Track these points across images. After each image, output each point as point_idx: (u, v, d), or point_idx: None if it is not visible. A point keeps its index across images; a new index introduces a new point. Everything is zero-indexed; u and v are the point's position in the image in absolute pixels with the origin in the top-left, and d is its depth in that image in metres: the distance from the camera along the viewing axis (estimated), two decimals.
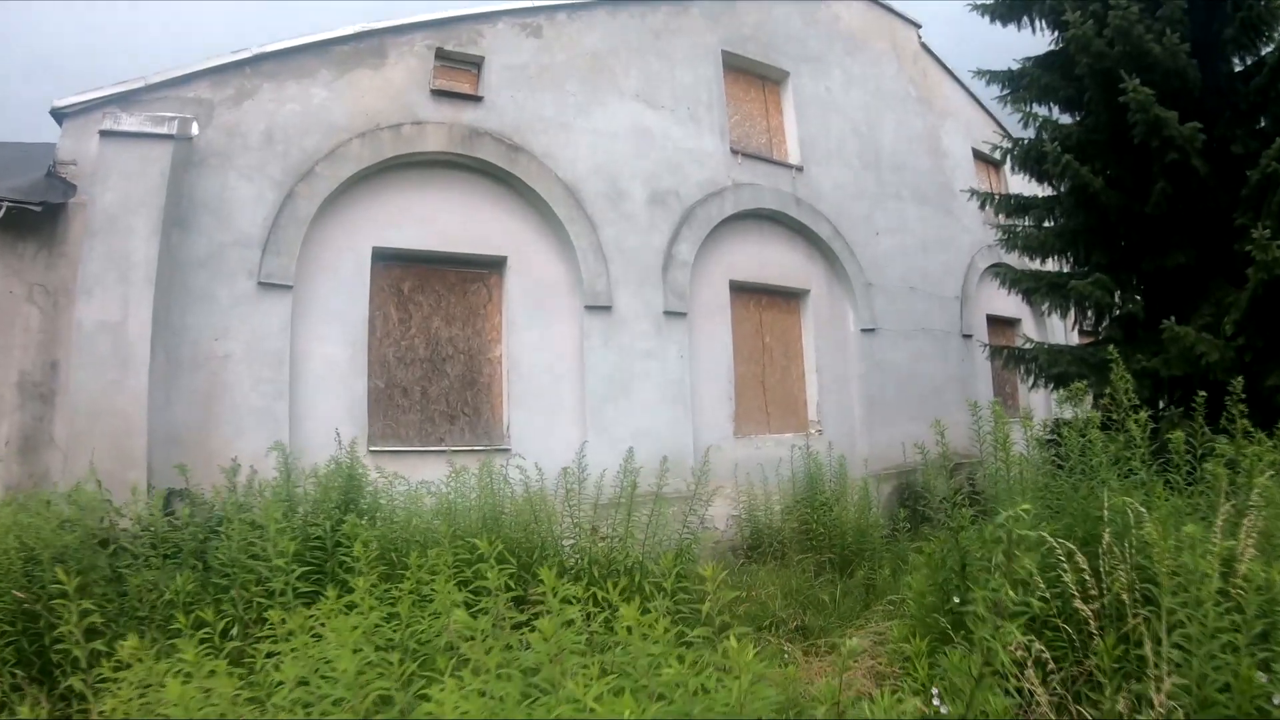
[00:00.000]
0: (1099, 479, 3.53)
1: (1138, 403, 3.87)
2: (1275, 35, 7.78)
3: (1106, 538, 2.80)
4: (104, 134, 6.99)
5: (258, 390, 7.08)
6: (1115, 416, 3.85)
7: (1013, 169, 9.34)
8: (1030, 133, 8.84)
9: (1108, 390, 3.99)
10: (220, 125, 7.51)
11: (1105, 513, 2.97)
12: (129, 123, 7.05)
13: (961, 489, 11.57)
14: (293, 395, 7.23)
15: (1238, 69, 8.17)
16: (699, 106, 10.07)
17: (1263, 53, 7.87)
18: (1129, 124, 7.45)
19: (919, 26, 13.89)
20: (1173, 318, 7.09)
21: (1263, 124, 7.78)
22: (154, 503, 4.74)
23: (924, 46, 13.96)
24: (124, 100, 7.29)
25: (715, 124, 10.18)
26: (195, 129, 7.43)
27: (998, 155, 9.22)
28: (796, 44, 11.39)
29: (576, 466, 6.02)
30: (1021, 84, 9.22)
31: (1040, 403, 14.41)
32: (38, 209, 6.76)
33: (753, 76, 11.10)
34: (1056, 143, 7.85)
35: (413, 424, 7.91)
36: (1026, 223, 9.42)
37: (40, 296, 6.92)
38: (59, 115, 7.26)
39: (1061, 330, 14.59)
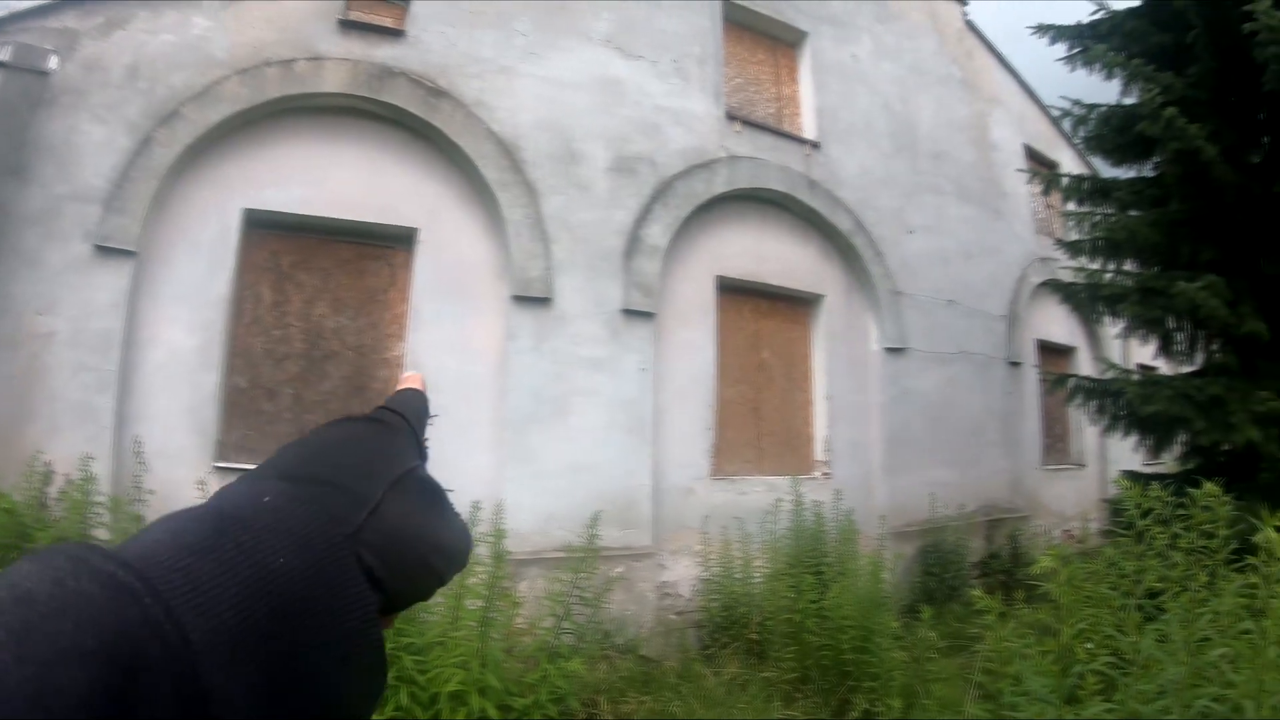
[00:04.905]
0: None
1: None
2: None
3: None
4: None
5: (78, 379, 5.44)
6: None
7: (1086, 146, 7.26)
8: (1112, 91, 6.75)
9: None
10: (81, 59, 5.95)
11: None
12: None
13: (999, 553, 8.83)
14: (124, 389, 5.57)
15: None
16: (688, 60, 8.10)
17: None
18: (1255, 67, 5.38)
19: (964, 2, 11.91)
20: None
21: None
22: None
23: (969, 25, 11.93)
24: None
25: (709, 82, 8.19)
26: (53, 62, 5.94)
27: (1066, 125, 7.11)
28: (816, 2, 9.46)
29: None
30: (1096, 35, 7.17)
31: (1093, 449, 12.10)
32: None
33: (761, 35, 9.14)
34: (1157, 92, 5.72)
35: (279, 435, 6.03)
36: (1107, 211, 7.23)
37: None
38: None
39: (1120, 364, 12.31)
